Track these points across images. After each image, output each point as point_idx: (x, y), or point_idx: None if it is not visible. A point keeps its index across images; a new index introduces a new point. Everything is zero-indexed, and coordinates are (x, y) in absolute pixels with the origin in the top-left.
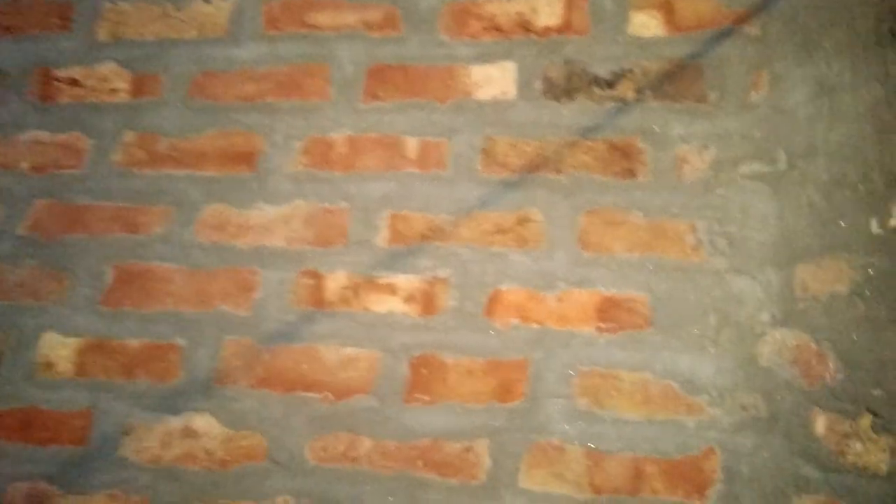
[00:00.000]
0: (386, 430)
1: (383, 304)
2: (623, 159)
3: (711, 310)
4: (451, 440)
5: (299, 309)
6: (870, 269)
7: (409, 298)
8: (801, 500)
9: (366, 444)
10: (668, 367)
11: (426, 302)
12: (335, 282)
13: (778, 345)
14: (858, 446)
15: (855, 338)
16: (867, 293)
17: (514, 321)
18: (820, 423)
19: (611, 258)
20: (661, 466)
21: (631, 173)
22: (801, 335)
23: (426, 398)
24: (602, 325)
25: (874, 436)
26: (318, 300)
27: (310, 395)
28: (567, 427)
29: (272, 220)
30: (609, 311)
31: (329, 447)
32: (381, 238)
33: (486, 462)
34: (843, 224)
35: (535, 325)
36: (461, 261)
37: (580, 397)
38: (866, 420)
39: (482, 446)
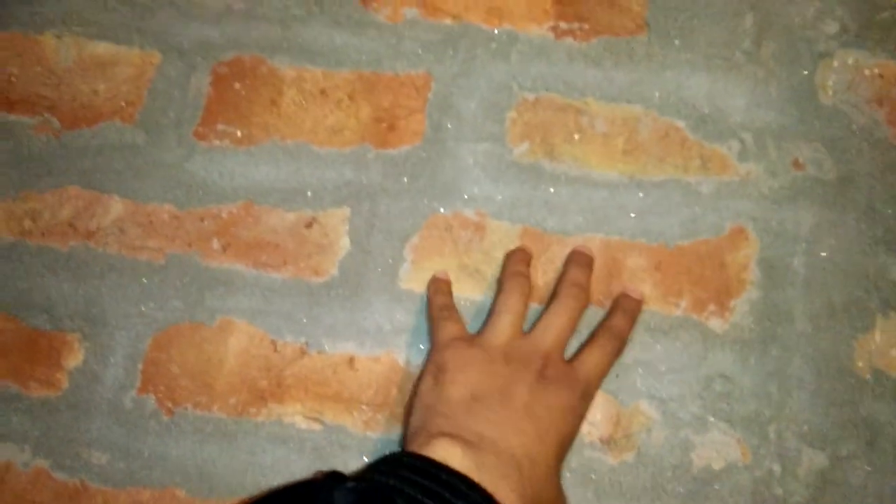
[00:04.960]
0: (153, 184)
1: None
2: None
3: (745, 7)
4: (278, 206)
5: None
6: None
7: None
8: (890, 321)
9: (116, 206)
10: (673, 95)
11: None
12: None
13: (850, 72)
14: None
15: None
16: None
17: (411, 13)
18: None
19: None
20: (653, 258)
21: None
22: (888, 60)
23: (239, 133)
24: (563, 24)
25: None
26: None
27: None
28: (491, 190)
29: None
30: (575, 3)
31: None
32: None
33: (344, 245)
34: None
35: (446, 21)
36: None
37: (519, 141)
38: None
39: (337, 219)
